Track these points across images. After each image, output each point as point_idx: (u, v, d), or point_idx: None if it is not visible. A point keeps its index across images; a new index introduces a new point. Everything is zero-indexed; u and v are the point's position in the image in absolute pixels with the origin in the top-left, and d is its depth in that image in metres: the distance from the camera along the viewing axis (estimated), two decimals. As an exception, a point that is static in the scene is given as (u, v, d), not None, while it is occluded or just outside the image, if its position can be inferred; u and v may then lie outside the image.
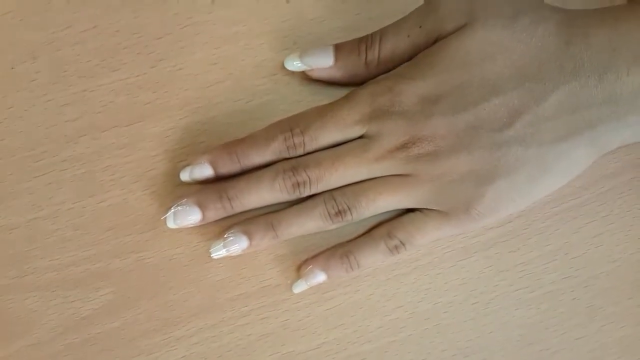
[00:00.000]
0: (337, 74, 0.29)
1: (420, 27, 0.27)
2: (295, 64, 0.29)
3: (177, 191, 0.30)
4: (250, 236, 0.29)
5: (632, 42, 0.25)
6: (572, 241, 0.32)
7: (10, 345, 0.30)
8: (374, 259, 0.30)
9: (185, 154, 0.30)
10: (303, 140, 0.28)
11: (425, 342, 0.32)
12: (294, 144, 0.28)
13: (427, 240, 0.29)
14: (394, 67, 0.28)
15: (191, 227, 0.29)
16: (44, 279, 0.30)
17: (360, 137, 0.28)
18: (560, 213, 0.32)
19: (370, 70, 0.28)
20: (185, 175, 0.29)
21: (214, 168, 0.28)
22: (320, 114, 0.28)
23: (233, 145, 0.28)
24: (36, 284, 0.30)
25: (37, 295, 0.30)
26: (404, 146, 0.27)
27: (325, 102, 0.29)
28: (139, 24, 0.30)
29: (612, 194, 0.32)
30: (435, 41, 0.27)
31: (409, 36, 0.27)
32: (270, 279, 0.31)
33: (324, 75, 0.29)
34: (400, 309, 0.31)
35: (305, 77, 0.30)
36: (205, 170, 0.28)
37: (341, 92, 0.29)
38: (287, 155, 0.28)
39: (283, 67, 0.29)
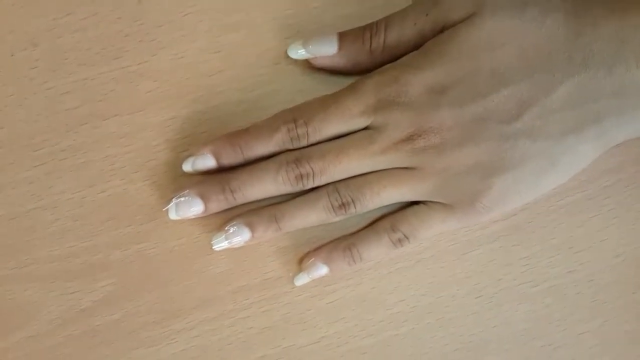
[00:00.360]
0: (340, 62, 0.28)
1: (427, 15, 0.27)
2: (298, 52, 0.29)
3: (178, 181, 0.30)
4: (252, 228, 0.28)
5: None
6: (576, 235, 0.32)
7: (10, 336, 0.30)
8: (377, 252, 0.29)
9: (187, 144, 0.30)
10: (307, 131, 0.27)
11: (427, 336, 0.32)
12: (298, 135, 0.27)
13: (431, 233, 0.29)
14: (399, 56, 0.28)
15: (193, 218, 0.29)
16: (44, 269, 0.30)
17: (365, 128, 0.28)
18: (564, 207, 0.31)
19: (375, 58, 0.28)
20: (187, 166, 0.28)
21: (217, 159, 0.28)
22: (324, 104, 0.28)
23: (236, 137, 0.28)
24: (36, 275, 0.30)
25: (36, 287, 0.30)
26: (409, 138, 0.27)
27: (329, 91, 0.28)
28: (140, 12, 0.29)
29: (617, 188, 0.31)
30: (442, 30, 0.27)
31: (415, 24, 0.27)
32: (271, 271, 0.31)
33: (327, 63, 0.29)
34: (402, 302, 0.31)
35: (309, 66, 0.30)
36: (207, 161, 0.28)
37: (345, 81, 0.29)
38: (290, 147, 0.28)
39: (286, 56, 0.29)
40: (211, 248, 0.29)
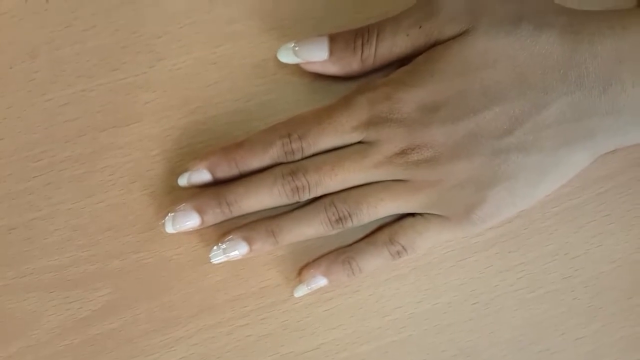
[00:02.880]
0: (331, 68, 0.28)
1: (420, 27, 0.27)
2: (289, 58, 0.28)
3: (175, 192, 0.30)
4: (250, 242, 0.29)
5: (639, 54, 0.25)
6: (572, 241, 0.32)
7: (9, 346, 0.30)
8: (376, 264, 0.30)
9: (185, 154, 0.30)
10: (301, 145, 0.28)
11: (424, 343, 0.32)
12: (292, 150, 0.28)
13: (428, 244, 0.30)
14: (390, 64, 0.28)
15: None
16: (43, 279, 0.30)
17: (359, 142, 0.28)
18: (560, 213, 0.31)
19: (366, 66, 0.28)
20: (183, 181, 0.28)
21: (212, 174, 0.28)
22: (318, 119, 0.28)
23: (231, 151, 0.28)
24: (35, 285, 0.30)
25: (35, 296, 0.30)
26: (402, 152, 0.27)
27: (326, 101, 0.29)
28: (138, 23, 0.29)
29: (612, 194, 0.32)
30: (434, 44, 0.27)
31: (407, 35, 0.27)
32: (269, 279, 0.31)
33: (318, 68, 0.29)
34: (399, 309, 0.31)
35: (306, 76, 0.30)
36: (203, 176, 0.28)
37: (342, 92, 0.29)
38: (284, 160, 0.28)
39: (283, 67, 0.29)
40: (209, 257, 0.29)
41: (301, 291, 0.30)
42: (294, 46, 0.28)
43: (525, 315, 0.32)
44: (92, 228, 0.30)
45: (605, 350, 0.32)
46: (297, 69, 0.30)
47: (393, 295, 0.31)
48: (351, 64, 0.28)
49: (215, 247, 0.29)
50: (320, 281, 0.30)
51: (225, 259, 0.29)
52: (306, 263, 0.31)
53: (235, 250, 0.29)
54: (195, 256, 0.30)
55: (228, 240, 0.29)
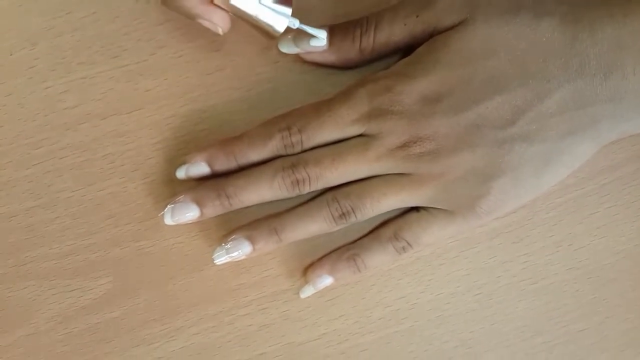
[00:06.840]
0: (330, 57, 0.28)
1: (418, 16, 0.27)
2: (289, 47, 0.28)
3: (176, 181, 0.29)
4: (253, 241, 0.28)
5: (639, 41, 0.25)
6: (576, 232, 0.31)
7: (9, 334, 0.30)
8: (381, 261, 0.30)
9: (186, 142, 0.30)
10: (301, 138, 0.27)
11: (427, 334, 0.32)
12: (292, 143, 0.27)
13: (433, 239, 0.29)
14: (388, 54, 0.28)
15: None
16: (43, 267, 0.30)
17: (360, 135, 0.27)
18: (564, 204, 0.31)
19: (365, 56, 0.28)
20: (181, 173, 0.28)
21: (211, 166, 0.28)
22: (318, 112, 0.27)
23: (229, 145, 0.28)
24: (35, 273, 0.30)
25: (36, 285, 0.30)
26: (405, 145, 0.27)
27: (328, 90, 0.29)
28: (139, 10, 0.29)
29: (617, 185, 0.31)
30: (432, 33, 0.27)
31: (405, 25, 0.27)
32: (270, 269, 0.31)
33: (317, 58, 0.29)
34: (402, 299, 0.31)
35: (307, 64, 0.29)
36: (201, 169, 0.28)
37: (343, 80, 0.29)
38: (284, 153, 0.28)
39: (285, 55, 0.29)
40: (210, 246, 0.29)
41: (307, 292, 0.30)
42: (294, 36, 0.28)
43: (528, 307, 0.32)
44: (93, 216, 0.30)
45: (608, 342, 0.32)
46: (299, 57, 0.29)
47: (395, 285, 0.31)
48: (350, 53, 0.28)
49: (218, 248, 0.29)
50: (326, 280, 0.30)
51: (229, 260, 0.29)
52: (311, 262, 0.31)
53: (238, 250, 0.28)
54: (196, 245, 0.30)
55: (231, 240, 0.28)
